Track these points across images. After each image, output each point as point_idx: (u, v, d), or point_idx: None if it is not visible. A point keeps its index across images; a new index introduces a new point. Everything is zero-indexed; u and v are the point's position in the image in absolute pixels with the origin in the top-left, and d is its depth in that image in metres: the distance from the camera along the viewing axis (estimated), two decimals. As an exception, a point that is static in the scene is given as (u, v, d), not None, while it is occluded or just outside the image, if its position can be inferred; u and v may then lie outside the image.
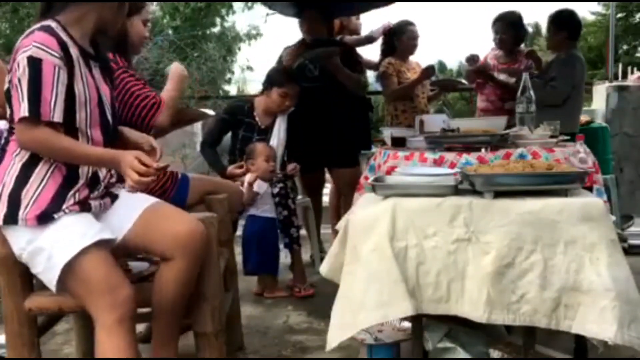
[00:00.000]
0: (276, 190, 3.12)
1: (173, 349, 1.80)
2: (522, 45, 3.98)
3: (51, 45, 1.55)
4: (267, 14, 3.75)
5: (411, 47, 4.00)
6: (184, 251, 1.69)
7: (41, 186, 1.60)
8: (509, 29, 3.80)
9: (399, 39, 3.96)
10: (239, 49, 14.08)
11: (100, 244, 1.61)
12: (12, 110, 1.58)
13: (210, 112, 2.54)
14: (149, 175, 1.59)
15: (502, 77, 3.82)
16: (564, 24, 3.60)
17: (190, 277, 1.75)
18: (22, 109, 1.53)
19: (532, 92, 2.63)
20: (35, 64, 1.53)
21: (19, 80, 1.54)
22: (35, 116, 1.53)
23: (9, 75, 1.58)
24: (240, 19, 15.10)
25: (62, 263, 1.56)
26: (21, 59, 1.54)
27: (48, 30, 1.58)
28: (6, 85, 1.60)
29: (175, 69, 2.27)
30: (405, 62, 4.01)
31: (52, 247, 1.57)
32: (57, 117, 1.57)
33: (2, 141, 1.71)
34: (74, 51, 1.63)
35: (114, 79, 1.90)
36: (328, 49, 3.50)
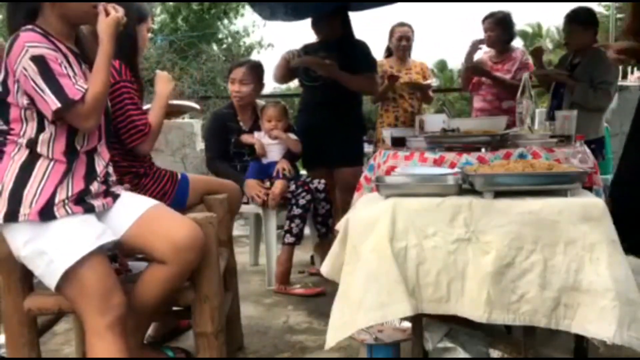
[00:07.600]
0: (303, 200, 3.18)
1: (140, 339, 1.89)
2: (518, 44, 4.02)
3: (41, 40, 1.57)
4: (265, 24, 3.69)
5: (401, 48, 4.02)
6: (178, 259, 1.70)
7: (42, 184, 1.61)
8: (497, 26, 3.83)
9: (390, 41, 4.04)
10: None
11: (99, 249, 1.61)
12: (43, 108, 1.58)
13: (196, 105, 2.61)
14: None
15: (498, 74, 3.84)
16: (591, 22, 3.49)
17: (178, 283, 1.77)
18: (52, 102, 1.55)
19: (532, 92, 2.63)
20: (40, 60, 1.54)
21: (34, 82, 1.55)
22: (66, 102, 1.56)
23: (18, 86, 1.58)
24: (241, 21, 15.10)
25: (62, 269, 1.57)
26: (26, 64, 1.54)
27: (32, 30, 1.59)
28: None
29: (159, 80, 2.23)
30: (403, 63, 4.04)
31: (53, 252, 1.58)
32: (85, 89, 1.60)
33: None
34: (63, 48, 1.64)
35: (112, 85, 1.90)
36: (322, 62, 3.36)
